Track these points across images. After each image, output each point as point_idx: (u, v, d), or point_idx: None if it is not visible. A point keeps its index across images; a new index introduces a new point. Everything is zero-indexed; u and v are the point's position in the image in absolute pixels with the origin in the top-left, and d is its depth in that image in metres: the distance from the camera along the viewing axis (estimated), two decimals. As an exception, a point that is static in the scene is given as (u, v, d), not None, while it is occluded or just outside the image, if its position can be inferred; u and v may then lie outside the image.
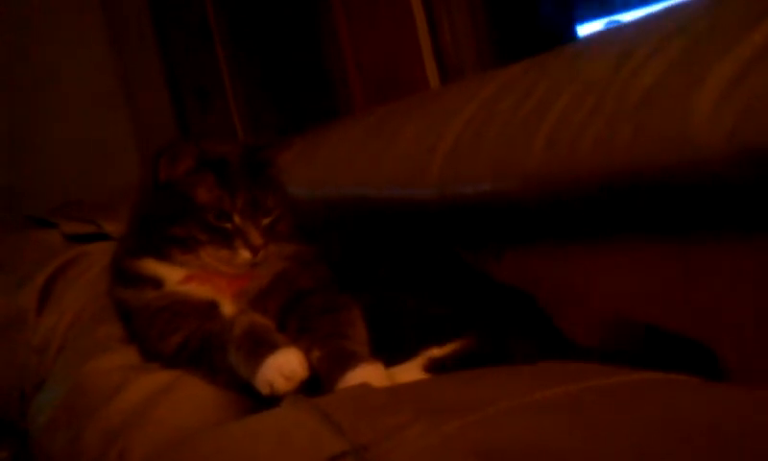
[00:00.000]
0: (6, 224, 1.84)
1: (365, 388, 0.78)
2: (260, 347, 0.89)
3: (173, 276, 1.02)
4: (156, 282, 1.02)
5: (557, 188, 0.97)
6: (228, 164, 1.02)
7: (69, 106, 2.61)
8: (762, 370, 0.79)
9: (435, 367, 0.92)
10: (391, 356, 0.91)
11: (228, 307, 1.01)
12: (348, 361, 0.87)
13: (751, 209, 0.80)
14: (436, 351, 0.93)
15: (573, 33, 2.08)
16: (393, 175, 1.27)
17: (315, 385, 0.87)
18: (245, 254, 0.99)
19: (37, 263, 1.45)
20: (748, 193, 0.77)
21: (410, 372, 0.91)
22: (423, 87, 2.05)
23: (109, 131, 2.68)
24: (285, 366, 0.86)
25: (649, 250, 0.94)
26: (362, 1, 2.22)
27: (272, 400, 0.84)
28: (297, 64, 2.50)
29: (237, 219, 0.99)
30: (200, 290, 1.01)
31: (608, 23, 2.17)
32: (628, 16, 2.10)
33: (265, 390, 0.86)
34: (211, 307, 1.00)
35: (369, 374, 0.85)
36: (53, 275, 1.41)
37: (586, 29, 2.16)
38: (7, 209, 2.27)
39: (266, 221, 1.01)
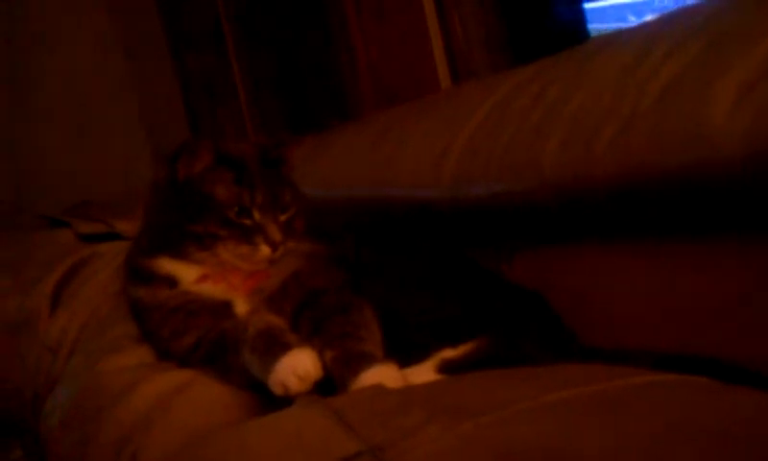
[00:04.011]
0: (19, 224, 1.85)
1: (378, 389, 0.78)
2: (274, 347, 0.89)
3: (188, 275, 1.02)
4: (171, 281, 1.03)
5: (571, 189, 0.96)
6: (245, 162, 1.02)
7: (80, 105, 2.62)
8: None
9: (448, 368, 0.92)
10: (404, 357, 0.91)
11: (241, 307, 1.01)
12: (362, 362, 0.87)
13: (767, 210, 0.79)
14: (449, 353, 0.93)
15: (582, 16, 2.05)
16: (405, 176, 1.27)
17: (329, 386, 0.87)
18: (265, 250, 0.99)
19: (50, 263, 1.46)
20: (764, 193, 0.77)
21: (423, 373, 0.91)
22: (435, 88, 2.05)
23: (121, 130, 2.69)
24: (299, 366, 0.86)
25: (662, 251, 0.94)
26: (373, 1, 2.22)
27: (285, 401, 0.84)
28: (307, 64, 2.51)
29: (257, 215, 1.00)
30: (214, 290, 1.02)
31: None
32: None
33: (278, 390, 0.86)
34: (225, 307, 1.01)
35: (382, 375, 0.85)
36: (65, 275, 1.41)
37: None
38: (18, 210, 2.28)
39: (284, 217, 1.02)
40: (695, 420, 0.62)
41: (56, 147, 2.57)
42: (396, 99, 2.06)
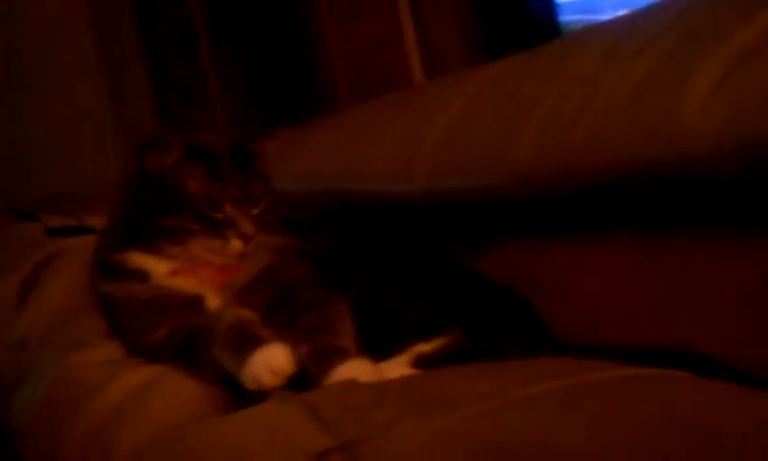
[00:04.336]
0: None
1: (352, 384, 0.78)
2: (246, 342, 0.88)
3: (159, 268, 1.01)
4: (142, 275, 1.01)
5: (546, 183, 0.97)
6: (217, 155, 1.01)
7: (53, 104, 2.59)
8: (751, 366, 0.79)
9: (422, 363, 0.91)
10: (378, 352, 0.91)
11: (213, 301, 1.00)
12: (336, 357, 0.87)
13: (741, 205, 0.80)
14: (423, 347, 0.93)
15: (556, 10, 2.05)
16: (380, 170, 1.26)
17: (302, 381, 0.87)
18: (236, 244, 0.98)
19: (19, 257, 1.43)
20: (738, 188, 0.78)
21: (397, 367, 0.91)
22: (408, 81, 2.05)
23: (92, 128, 2.67)
24: (272, 361, 0.85)
25: (637, 246, 0.94)
26: (347, 0, 2.21)
27: (258, 396, 0.83)
28: (281, 58, 2.49)
29: (228, 209, 0.99)
30: (186, 283, 1.01)
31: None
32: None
33: (252, 385, 0.85)
34: (197, 301, 1.00)
35: (356, 369, 0.85)
36: (34, 269, 1.39)
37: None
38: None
39: (255, 211, 1.01)
40: (677, 414, 0.62)
41: (30, 144, 2.56)
42: (369, 94, 2.05)
